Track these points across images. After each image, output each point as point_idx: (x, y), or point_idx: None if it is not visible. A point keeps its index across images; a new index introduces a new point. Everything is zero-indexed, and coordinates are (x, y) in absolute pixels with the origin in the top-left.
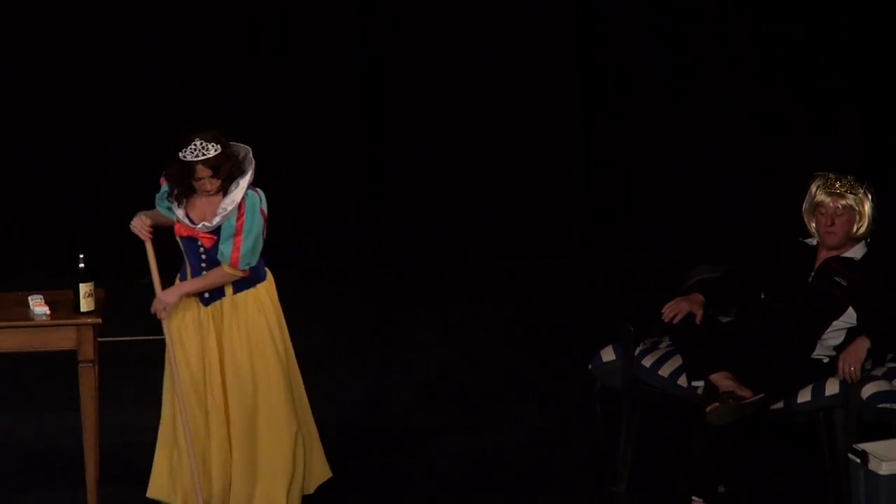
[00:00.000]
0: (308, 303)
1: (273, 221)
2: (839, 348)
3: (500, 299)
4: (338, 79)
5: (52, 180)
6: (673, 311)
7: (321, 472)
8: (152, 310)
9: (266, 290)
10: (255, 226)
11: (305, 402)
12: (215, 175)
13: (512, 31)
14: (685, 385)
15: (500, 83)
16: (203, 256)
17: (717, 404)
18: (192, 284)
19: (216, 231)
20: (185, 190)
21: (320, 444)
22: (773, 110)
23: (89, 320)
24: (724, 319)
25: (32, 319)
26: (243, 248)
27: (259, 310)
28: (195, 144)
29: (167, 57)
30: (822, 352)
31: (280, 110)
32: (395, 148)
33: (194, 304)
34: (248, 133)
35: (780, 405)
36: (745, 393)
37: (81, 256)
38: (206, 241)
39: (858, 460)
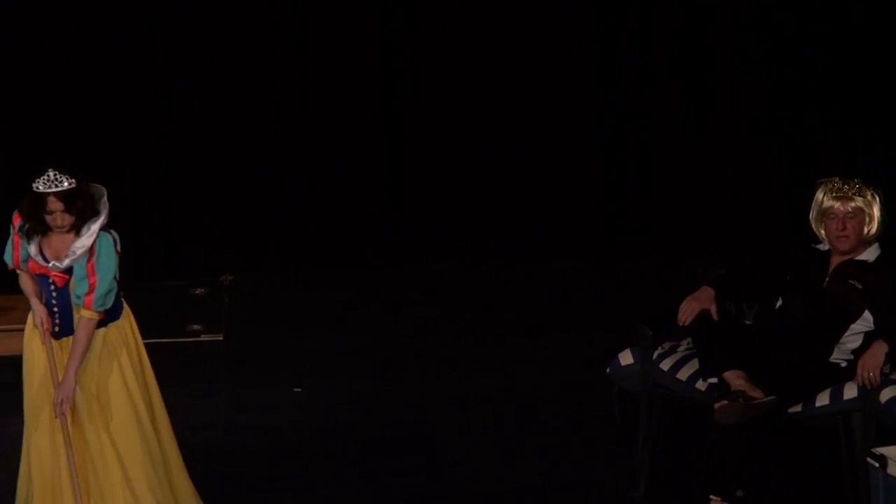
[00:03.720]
0: (327, 306)
1: (294, 224)
2: (857, 352)
3: (517, 302)
4: (357, 82)
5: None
6: (685, 312)
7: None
8: (56, 401)
9: (118, 329)
10: (110, 268)
11: (171, 435)
12: (67, 209)
13: (534, 32)
14: (704, 388)
15: (519, 86)
16: (54, 294)
17: (725, 402)
18: (75, 359)
19: (68, 271)
20: (37, 225)
21: (184, 471)
22: (794, 114)
23: None
24: (743, 322)
25: None
26: (97, 290)
27: (109, 348)
28: (48, 175)
29: (183, 56)
30: (839, 356)
31: (300, 113)
32: (413, 151)
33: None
34: (269, 135)
35: (798, 409)
36: (756, 393)
37: None
38: (58, 280)
39: (877, 464)
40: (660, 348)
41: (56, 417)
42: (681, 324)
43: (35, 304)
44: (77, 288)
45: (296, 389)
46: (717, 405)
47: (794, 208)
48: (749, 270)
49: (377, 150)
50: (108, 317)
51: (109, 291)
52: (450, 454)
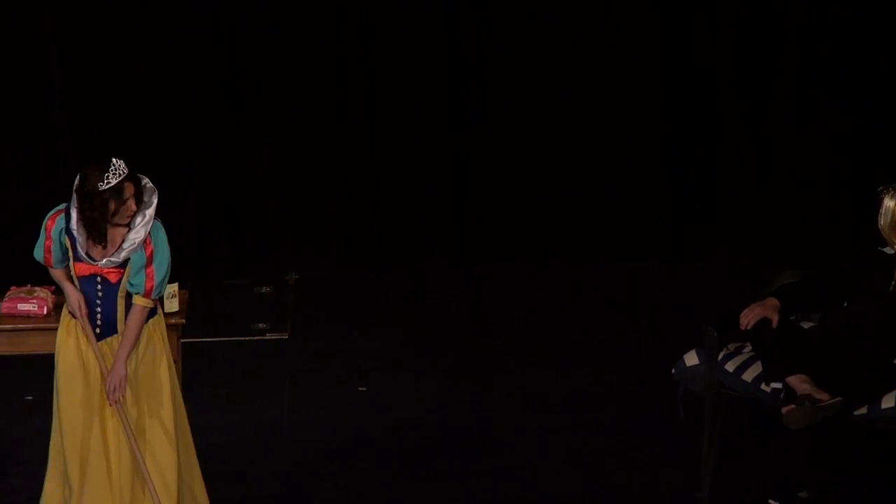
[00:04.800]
0: (392, 306)
1: (359, 224)
2: None
3: (583, 302)
4: (424, 82)
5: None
6: (747, 317)
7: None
8: (109, 389)
9: (156, 326)
10: (166, 255)
11: (190, 440)
12: (135, 194)
13: (600, 30)
14: (769, 390)
15: (585, 86)
16: (100, 294)
17: (793, 407)
18: (126, 347)
19: (123, 264)
20: (98, 221)
21: (201, 477)
22: (862, 117)
23: (173, 321)
24: (807, 325)
25: None
26: (157, 277)
27: (148, 345)
28: (114, 164)
29: (249, 56)
30: None
31: (367, 113)
32: (479, 151)
33: (78, 341)
34: (335, 136)
35: (863, 410)
36: (823, 396)
37: None
38: (111, 276)
39: None
40: (725, 349)
41: (111, 405)
42: (742, 328)
43: (69, 289)
44: (134, 277)
45: (360, 388)
46: (784, 410)
47: (860, 210)
48: (816, 282)
49: (443, 150)
50: (151, 312)
51: (166, 278)
52: (513, 455)
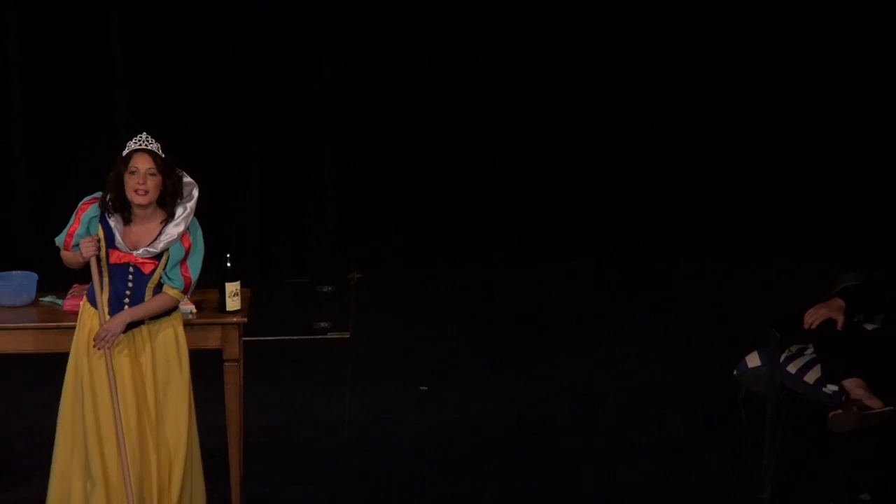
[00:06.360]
0: (452, 306)
1: (420, 223)
2: None
3: (644, 303)
4: (486, 83)
5: (196, 180)
6: (812, 316)
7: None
8: (95, 341)
9: (176, 322)
10: (202, 253)
11: (195, 435)
12: (152, 172)
13: (662, 31)
14: (830, 392)
15: (646, 87)
16: (130, 284)
17: (839, 411)
18: (138, 311)
19: (159, 256)
20: (118, 198)
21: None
22: None
23: (235, 319)
24: (870, 327)
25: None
26: (193, 275)
27: (167, 341)
28: (141, 136)
29: (309, 55)
30: None
31: (427, 113)
32: (541, 152)
33: (91, 334)
34: (396, 135)
35: None
36: (874, 403)
37: (228, 256)
38: (145, 267)
39: None
40: (787, 351)
41: (95, 348)
42: (806, 328)
43: (82, 244)
44: (171, 271)
45: (421, 388)
46: (831, 414)
47: None
48: (881, 282)
49: (503, 152)
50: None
51: (198, 278)
52: (572, 454)
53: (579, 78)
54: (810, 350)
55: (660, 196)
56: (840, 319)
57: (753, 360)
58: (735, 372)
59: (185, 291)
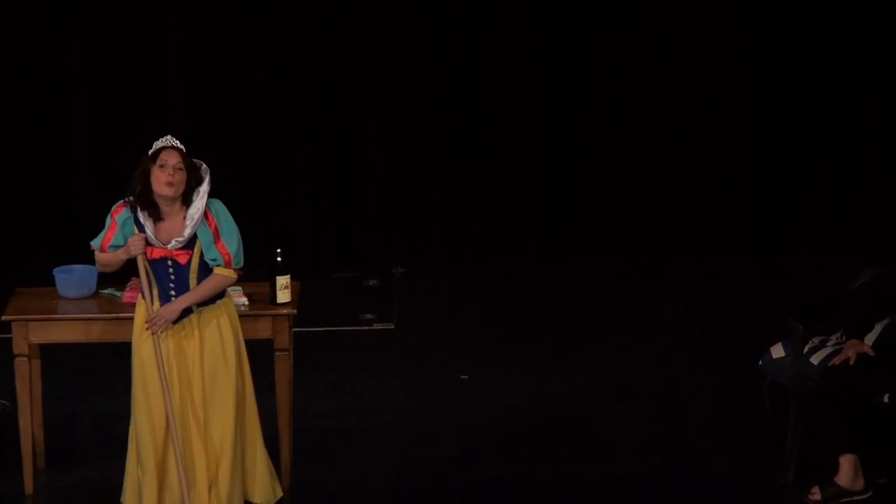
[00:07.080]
0: (491, 298)
1: (461, 217)
2: None
3: (671, 297)
4: (523, 79)
5: (247, 178)
6: (848, 352)
7: (264, 493)
8: (148, 324)
9: (225, 308)
10: (231, 225)
11: (256, 422)
12: (180, 167)
13: (690, 31)
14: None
15: (673, 83)
16: (172, 276)
17: (818, 494)
18: (191, 297)
19: (190, 245)
20: (145, 195)
21: (268, 466)
22: None
23: (285, 311)
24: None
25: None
26: (230, 248)
27: (218, 327)
28: (166, 137)
29: (355, 56)
30: None
31: (469, 109)
32: (576, 148)
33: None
34: (439, 132)
35: None
36: (857, 485)
37: (279, 251)
38: (181, 258)
39: None
40: (810, 343)
41: (147, 329)
42: (841, 361)
43: (129, 242)
44: (208, 253)
45: (462, 377)
46: (810, 492)
47: None
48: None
49: (541, 147)
50: (219, 293)
51: (240, 247)
52: (608, 439)
53: (612, 77)
54: (832, 342)
55: (688, 193)
56: (865, 349)
57: (777, 352)
58: (760, 362)
59: (227, 265)
